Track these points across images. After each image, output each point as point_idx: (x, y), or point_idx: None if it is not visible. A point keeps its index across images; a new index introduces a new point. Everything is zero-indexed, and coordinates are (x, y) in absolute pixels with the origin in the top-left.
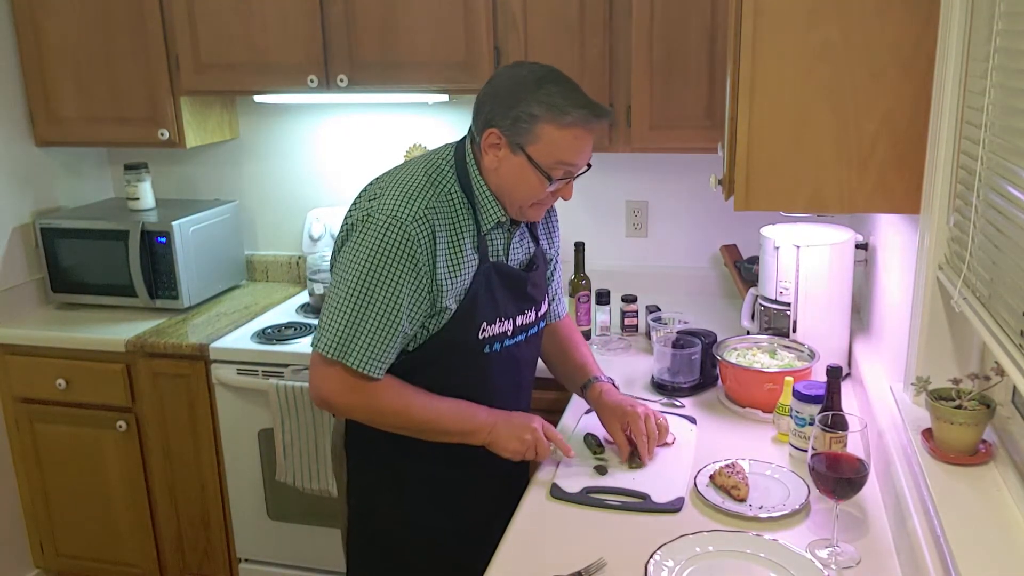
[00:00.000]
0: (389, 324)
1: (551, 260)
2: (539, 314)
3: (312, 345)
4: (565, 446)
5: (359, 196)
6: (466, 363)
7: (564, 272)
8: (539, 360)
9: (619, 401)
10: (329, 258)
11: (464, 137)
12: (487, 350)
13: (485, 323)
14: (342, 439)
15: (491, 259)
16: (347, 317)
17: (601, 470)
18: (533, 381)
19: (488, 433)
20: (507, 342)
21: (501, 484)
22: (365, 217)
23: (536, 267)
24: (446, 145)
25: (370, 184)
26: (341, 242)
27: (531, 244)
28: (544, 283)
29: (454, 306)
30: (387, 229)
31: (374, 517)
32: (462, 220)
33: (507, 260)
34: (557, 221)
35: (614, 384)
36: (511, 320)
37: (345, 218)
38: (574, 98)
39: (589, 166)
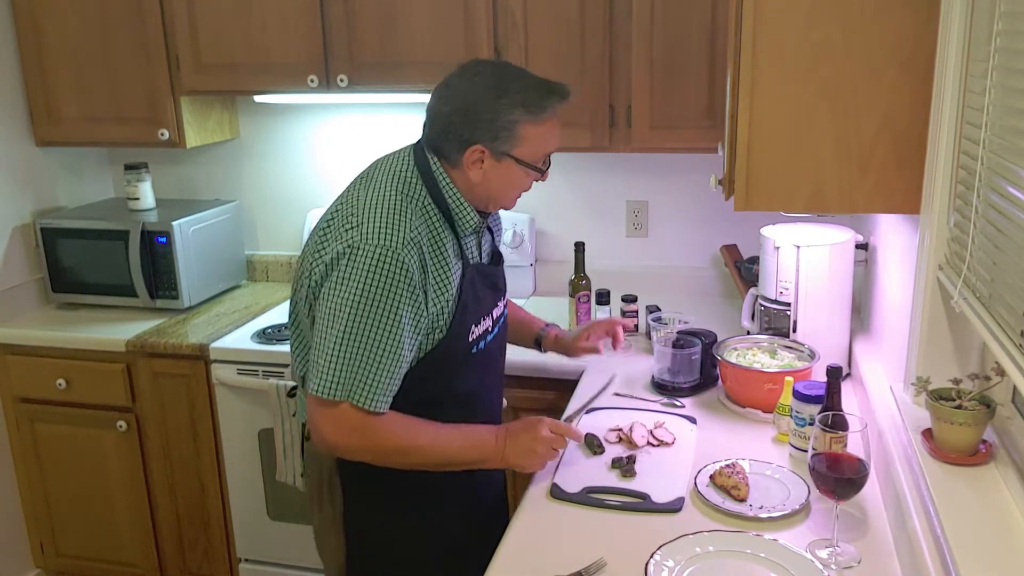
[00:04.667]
0: (393, 355)
1: (499, 244)
2: (504, 303)
3: (310, 390)
4: (574, 433)
5: (328, 225)
6: (459, 367)
7: (564, 272)
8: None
9: (573, 331)
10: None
11: (418, 146)
12: (474, 350)
13: (473, 325)
14: (332, 472)
15: (471, 262)
16: (347, 354)
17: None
18: (504, 366)
19: (502, 459)
20: (488, 338)
21: (501, 485)
22: (348, 249)
23: (499, 259)
24: (400, 156)
25: (337, 211)
26: (321, 277)
27: (490, 237)
28: (504, 274)
29: (448, 319)
30: (379, 259)
31: (378, 536)
32: (441, 232)
33: (481, 258)
34: (498, 212)
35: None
36: (490, 316)
37: (319, 249)
38: (539, 88)
39: None
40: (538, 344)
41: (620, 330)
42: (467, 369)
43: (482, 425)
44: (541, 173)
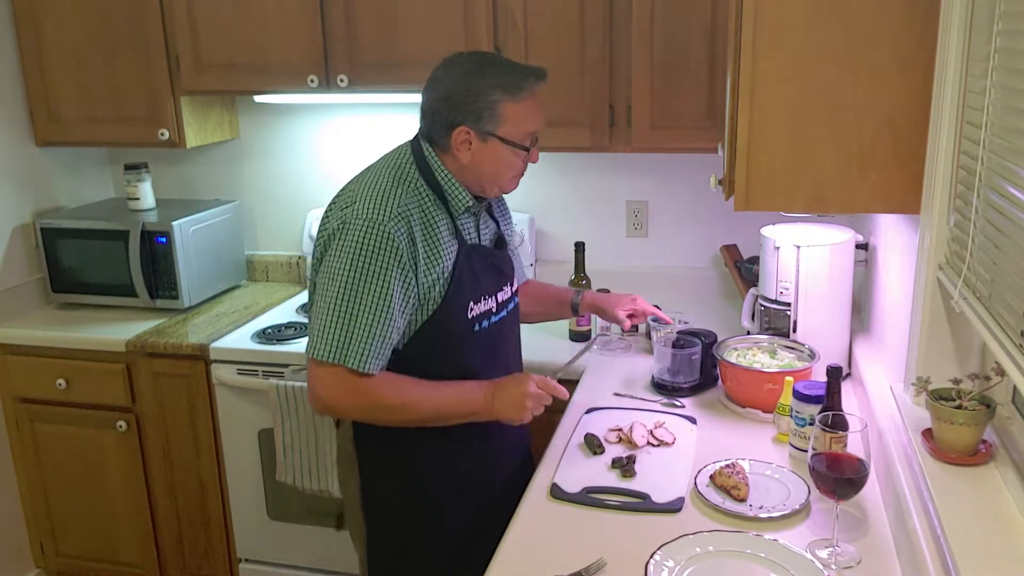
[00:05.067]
0: (382, 321)
1: (509, 240)
2: (512, 289)
3: (308, 352)
4: (562, 392)
5: (331, 206)
6: (460, 343)
7: (564, 272)
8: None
9: (611, 295)
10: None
11: (415, 138)
12: (476, 328)
13: (472, 303)
14: (351, 443)
15: (469, 242)
16: (340, 320)
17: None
18: (520, 353)
19: (490, 412)
20: (493, 319)
21: (519, 464)
22: (342, 225)
23: (502, 245)
24: (398, 148)
25: (339, 195)
26: (321, 252)
27: (494, 225)
28: (510, 259)
29: (441, 291)
30: (367, 231)
31: (394, 514)
32: (433, 211)
33: (480, 240)
34: (506, 205)
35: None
36: (493, 297)
37: (321, 229)
38: (516, 70)
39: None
40: (574, 310)
41: (643, 314)
42: (471, 348)
43: (472, 380)
44: (527, 151)
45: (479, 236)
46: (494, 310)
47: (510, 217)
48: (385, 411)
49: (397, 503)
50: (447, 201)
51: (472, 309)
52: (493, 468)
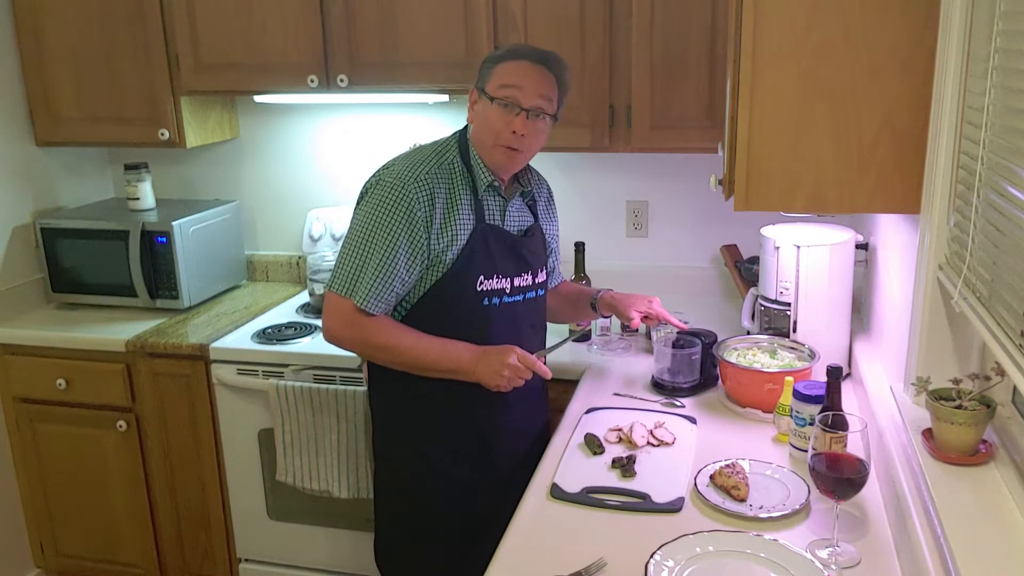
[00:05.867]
0: (388, 268)
1: (549, 240)
2: (536, 280)
3: (326, 285)
4: (543, 370)
5: (377, 169)
6: (468, 313)
7: (564, 272)
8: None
9: (630, 294)
10: (330, 257)
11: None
12: (486, 303)
13: (482, 276)
14: (368, 409)
15: (488, 221)
16: (354, 261)
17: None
18: (538, 344)
19: (472, 373)
20: (506, 299)
21: (523, 440)
22: (377, 181)
23: (532, 235)
24: (457, 131)
25: (387, 161)
26: (358, 202)
27: (530, 217)
28: (541, 252)
29: (452, 258)
30: (391, 189)
31: (398, 466)
32: (460, 185)
33: (503, 225)
34: (556, 210)
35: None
36: (508, 279)
37: (363, 185)
38: (528, 46)
39: (556, 118)
40: (593, 307)
41: (656, 319)
42: (481, 322)
43: (463, 342)
44: (498, 104)
45: (503, 220)
46: (507, 291)
47: (555, 222)
48: (375, 349)
49: (403, 456)
50: (474, 180)
51: (482, 283)
52: (499, 440)
